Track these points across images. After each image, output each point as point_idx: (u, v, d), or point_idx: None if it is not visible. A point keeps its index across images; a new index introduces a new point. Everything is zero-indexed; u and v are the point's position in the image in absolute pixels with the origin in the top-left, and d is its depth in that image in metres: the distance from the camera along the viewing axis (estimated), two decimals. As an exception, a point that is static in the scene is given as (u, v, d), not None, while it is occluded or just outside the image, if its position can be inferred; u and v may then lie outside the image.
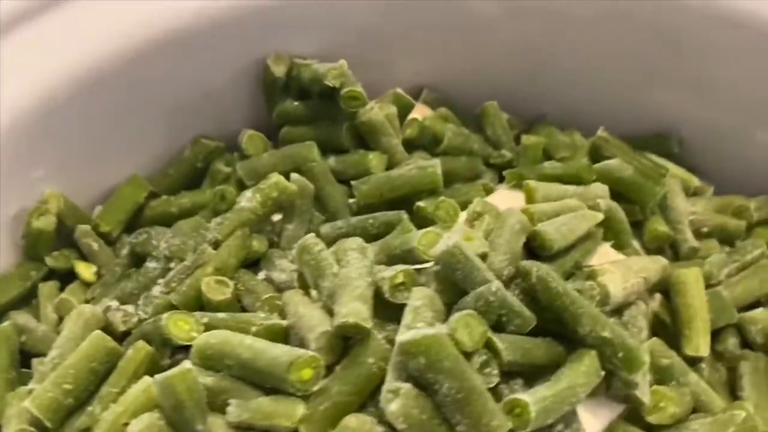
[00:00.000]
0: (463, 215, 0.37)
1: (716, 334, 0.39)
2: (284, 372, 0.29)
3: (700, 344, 0.37)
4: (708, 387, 0.36)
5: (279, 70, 0.46)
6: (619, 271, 0.35)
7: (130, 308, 0.38)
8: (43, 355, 0.37)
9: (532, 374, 0.31)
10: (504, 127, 0.49)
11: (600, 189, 0.39)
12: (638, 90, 0.50)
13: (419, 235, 0.33)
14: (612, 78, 0.51)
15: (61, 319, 0.41)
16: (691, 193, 0.48)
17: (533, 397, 0.28)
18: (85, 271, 0.42)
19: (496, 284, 0.30)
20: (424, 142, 0.46)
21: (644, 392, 0.33)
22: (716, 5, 0.46)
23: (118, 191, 0.45)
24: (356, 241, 0.34)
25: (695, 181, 0.49)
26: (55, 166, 0.43)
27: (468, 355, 0.29)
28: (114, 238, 0.44)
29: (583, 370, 0.30)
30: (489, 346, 0.30)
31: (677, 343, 0.37)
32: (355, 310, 0.30)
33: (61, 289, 0.42)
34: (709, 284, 0.40)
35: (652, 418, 0.33)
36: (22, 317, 0.40)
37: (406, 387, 0.28)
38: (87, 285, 0.42)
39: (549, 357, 0.31)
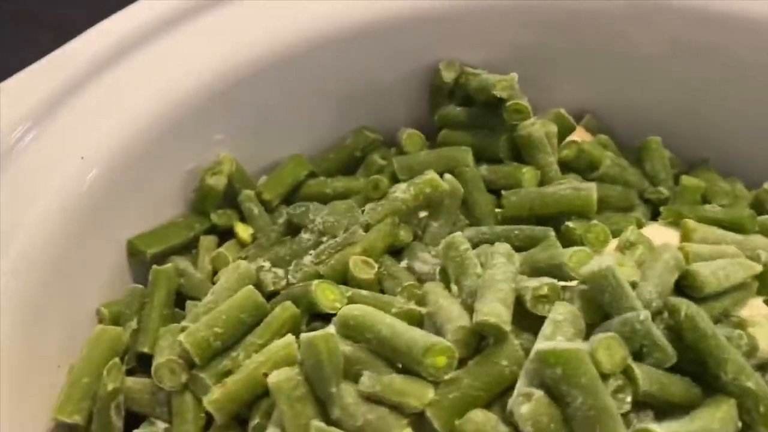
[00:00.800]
0: (613, 243, 0.37)
1: None
2: (421, 354, 0.31)
3: None
4: None
5: (449, 76, 0.48)
6: (771, 326, 0.33)
7: (280, 271, 0.41)
8: (197, 299, 0.41)
9: (664, 411, 0.30)
10: (664, 164, 0.48)
11: (761, 241, 0.38)
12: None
13: (570, 252, 0.34)
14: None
15: (215, 271, 0.44)
16: None
17: (665, 430, 0.28)
18: (243, 231, 0.46)
19: (644, 313, 0.30)
20: (580, 166, 0.46)
21: (782, 459, 0.31)
22: None
23: (281, 166, 0.48)
24: (504, 247, 0.35)
25: None
26: (233, 133, 0.46)
27: (604, 377, 0.29)
28: (273, 207, 0.47)
29: (720, 416, 0.29)
30: (626, 372, 0.29)
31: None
32: (496, 311, 0.31)
33: (219, 245, 0.46)
34: None
35: (785, 485, 0.31)
36: (182, 263, 0.44)
37: (539, 393, 0.28)
38: (242, 245, 0.46)
39: (685, 397, 0.30)
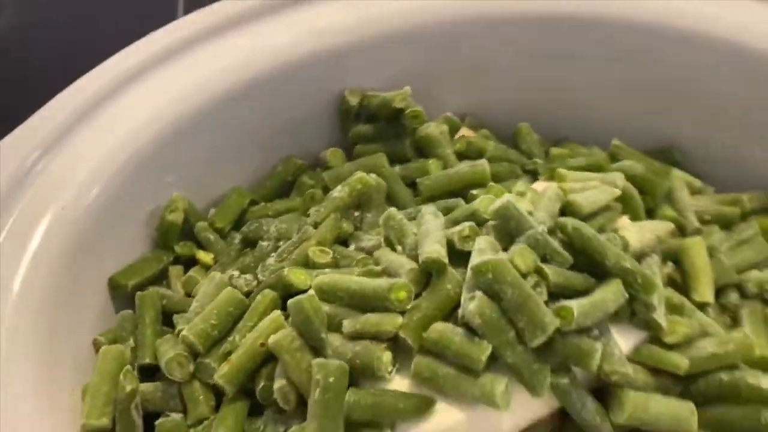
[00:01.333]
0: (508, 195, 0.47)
1: (719, 293, 0.48)
2: (386, 293, 0.39)
3: (706, 292, 0.46)
4: (714, 322, 0.45)
5: (354, 100, 0.58)
6: (635, 228, 0.45)
7: (248, 276, 0.48)
8: (182, 312, 0.47)
9: (570, 298, 0.40)
10: (535, 141, 0.60)
11: (617, 175, 0.49)
12: (644, 116, 0.61)
13: (479, 200, 0.44)
14: (621, 107, 0.62)
15: (188, 294, 0.51)
16: (695, 192, 0.58)
17: (575, 304, 0.38)
18: (205, 257, 0.53)
19: (542, 227, 0.40)
20: (471, 155, 0.57)
21: (661, 317, 0.42)
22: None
23: (226, 198, 0.56)
24: (430, 208, 0.45)
25: (697, 183, 0.59)
26: (181, 174, 0.54)
27: (523, 277, 0.38)
28: (225, 233, 0.55)
29: (611, 290, 0.39)
30: (539, 273, 0.39)
31: (687, 297, 0.47)
32: (436, 249, 0.40)
33: (185, 273, 0.53)
34: (711, 256, 0.50)
35: (669, 339, 0.42)
36: (160, 289, 0.50)
37: (480, 293, 0.37)
38: (206, 268, 0.53)
39: (584, 284, 0.40)
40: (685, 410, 0.40)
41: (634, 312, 0.42)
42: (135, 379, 0.43)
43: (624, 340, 0.41)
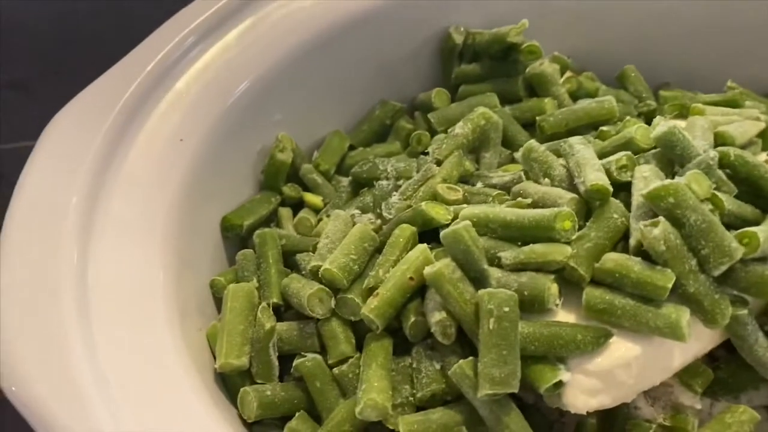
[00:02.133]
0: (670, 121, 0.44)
1: None
2: (551, 222, 0.37)
3: None
4: None
5: (459, 38, 0.55)
6: (789, 160, 0.42)
7: (371, 215, 0.46)
8: (303, 252, 0.45)
9: (739, 228, 0.38)
10: (644, 84, 0.57)
11: (755, 110, 0.47)
12: (752, 57, 0.59)
13: (633, 128, 0.41)
14: (724, 50, 0.59)
15: (300, 235, 0.49)
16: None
17: (759, 230, 0.36)
18: (314, 199, 0.50)
19: (713, 152, 0.38)
20: (581, 96, 0.55)
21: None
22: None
23: (328, 141, 0.53)
24: (577, 137, 0.42)
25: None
26: (287, 114, 0.51)
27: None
28: (330, 176, 0.52)
29: (785, 219, 0.37)
30: (711, 200, 0.37)
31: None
32: (599, 176, 0.38)
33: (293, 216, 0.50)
34: None
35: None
36: (277, 230, 0.47)
37: (662, 219, 0.35)
38: (315, 211, 0.50)
39: (753, 214, 0.38)
40: None
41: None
42: (272, 317, 0.40)
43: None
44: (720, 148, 0.40)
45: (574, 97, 0.54)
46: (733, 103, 0.49)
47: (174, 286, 0.40)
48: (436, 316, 0.37)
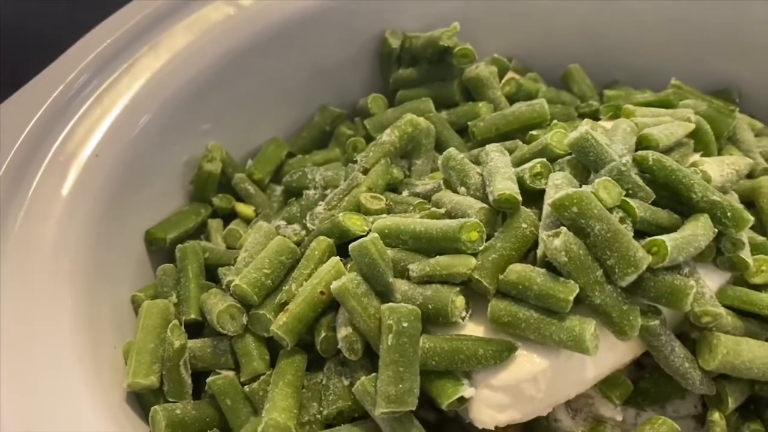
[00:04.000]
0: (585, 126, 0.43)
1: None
2: (456, 233, 0.36)
3: (784, 232, 0.43)
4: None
5: (395, 42, 0.55)
6: (715, 162, 0.41)
7: (296, 226, 0.45)
8: (227, 266, 0.44)
9: (655, 235, 0.37)
10: (588, 83, 0.56)
11: (687, 110, 0.46)
12: (699, 55, 0.58)
13: (549, 134, 0.40)
14: (675, 47, 0.58)
15: (229, 248, 0.48)
16: (757, 134, 0.55)
17: (667, 238, 0.35)
18: (246, 209, 0.50)
19: (626, 158, 0.37)
20: (521, 99, 0.54)
21: (748, 256, 0.39)
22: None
23: (263, 149, 0.53)
24: (495, 145, 0.41)
25: (759, 124, 0.55)
26: (217, 123, 0.51)
27: (609, 211, 0.35)
28: (264, 185, 0.51)
29: (701, 225, 0.36)
30: (623, 207, 0.36)
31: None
32: (508, 186, 0.37)
33: (224, 227, 0.50)
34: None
35: (755, 279, 0.39)
36: (201, 242, 0.47)
37: (565, 229, 0.34)
38: (247, 221, 0.50)
39: (670, 221, 0.37)
40: (778, 355, 0.37)
41: (719, 251, 0.39)
42: (183, 335, 0.40)
43: (710, 281, 0.38)
44: (639, 153, 0.39)
45: (514, 99, 0.53)
46: (667, 104, 0.48)
47: (86, 302, 0.40)
48: (343, 332, 0.36)
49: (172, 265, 0.45)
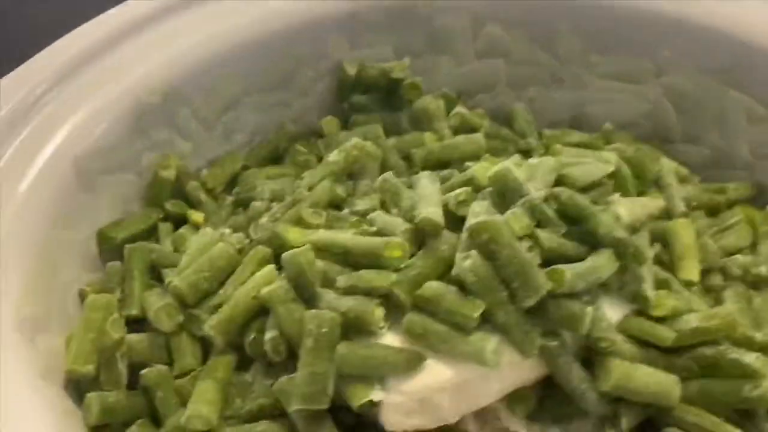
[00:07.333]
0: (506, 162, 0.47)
1: (703, 275, 0.49)
2: (381, 250, 0.39)
3: (692, 271, 0.47)
4: (698, 299, 0.45)
5: (351, 70, 0.58)
6: (627, 202, 0.45)
7: (240, 235, 0.48)
8: (171, 267, 0.47)
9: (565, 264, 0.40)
10: (529, 122, 0.60)
11: (610, 153, 0.50)
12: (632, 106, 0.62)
13: (476, 167, 0.44)
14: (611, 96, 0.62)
15: (175, 251, 0.51)
16: (682, 180, 0.59)
17: (567, 267, 0.38)
18: (196, 216, 0.53)
19: (538, 194, 0.41)
20: (465, 131, 0.57)
21: (649, 290, 0.42)
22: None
23: (220, 160, 0.56)
24: (426, 173, 0.45)
25: (684, 171, 0.60)
26: (176, 133, 0.53)
27: (518, 240, 0.39)
28: (217, 194, 0.54)
29: (604, 258, 0.40)
30: (533, 238, 0.40)
31: (674, 276, 0.47)
32: (431, 210, 0.41)
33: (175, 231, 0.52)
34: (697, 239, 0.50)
35: (656, 312, 0.42)
36: (149, 244, 0.50)
37: (475, 252, 0.38)
38: (196, 228, 0.52)
39: (576, 252, 0.41)
40: (668, 382, 0.41)
41: (623, 284, 0.42)
42: (122, 328, 0.42)
43: (612, 311, 0.42)
44: (555, 189, 0.43)
45: (458, 132, 0.57)
46: (592, 146, 0.52)
47: (34, 294, 0.42)
48: (269, 334, 0.39)
49: (119, 263, 0.48)
